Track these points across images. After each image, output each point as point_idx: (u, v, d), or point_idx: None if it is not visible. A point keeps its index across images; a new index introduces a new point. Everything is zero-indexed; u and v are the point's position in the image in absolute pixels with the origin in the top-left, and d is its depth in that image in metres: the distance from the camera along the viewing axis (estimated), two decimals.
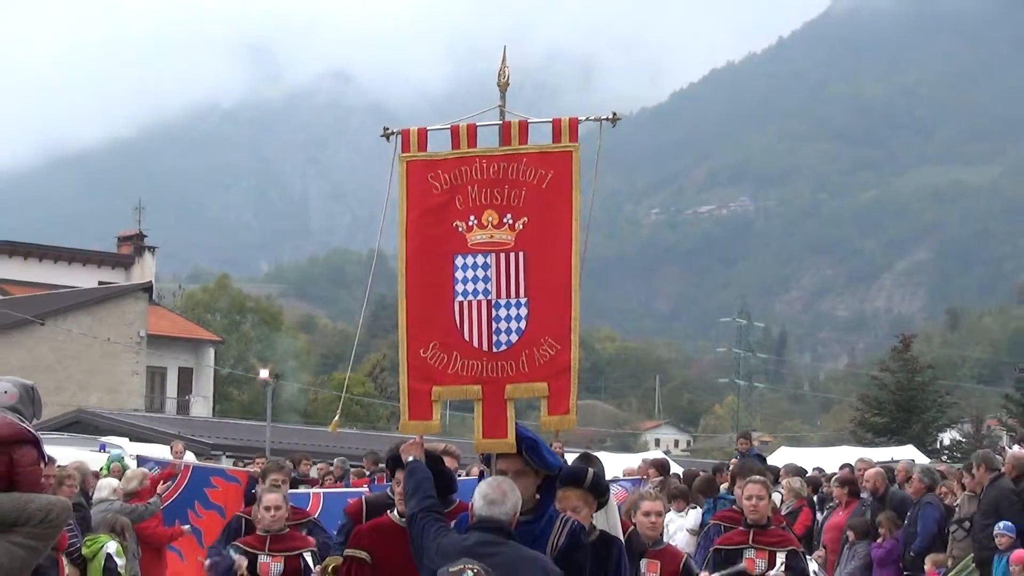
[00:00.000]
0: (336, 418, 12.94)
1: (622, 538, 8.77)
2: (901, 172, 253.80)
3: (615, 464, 24.54)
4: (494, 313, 7.99)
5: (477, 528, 7.30)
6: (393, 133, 8.31)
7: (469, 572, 6.81)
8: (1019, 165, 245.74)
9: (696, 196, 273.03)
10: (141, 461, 19.18)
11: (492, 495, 7.36)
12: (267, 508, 11.50)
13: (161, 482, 17.74)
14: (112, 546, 15.55)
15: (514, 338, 7.99)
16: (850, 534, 19.08)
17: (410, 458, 7.93)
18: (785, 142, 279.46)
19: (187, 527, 17.30)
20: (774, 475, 13.83)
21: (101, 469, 19.63)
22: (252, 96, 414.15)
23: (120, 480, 18.48)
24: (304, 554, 11.32)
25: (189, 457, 27.19)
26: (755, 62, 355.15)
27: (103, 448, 29.85)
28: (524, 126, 8.09)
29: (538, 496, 7.91)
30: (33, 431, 7.17)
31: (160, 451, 33.09)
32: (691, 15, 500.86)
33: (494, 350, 7.99)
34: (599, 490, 8.39)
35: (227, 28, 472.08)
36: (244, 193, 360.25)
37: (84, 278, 66.60)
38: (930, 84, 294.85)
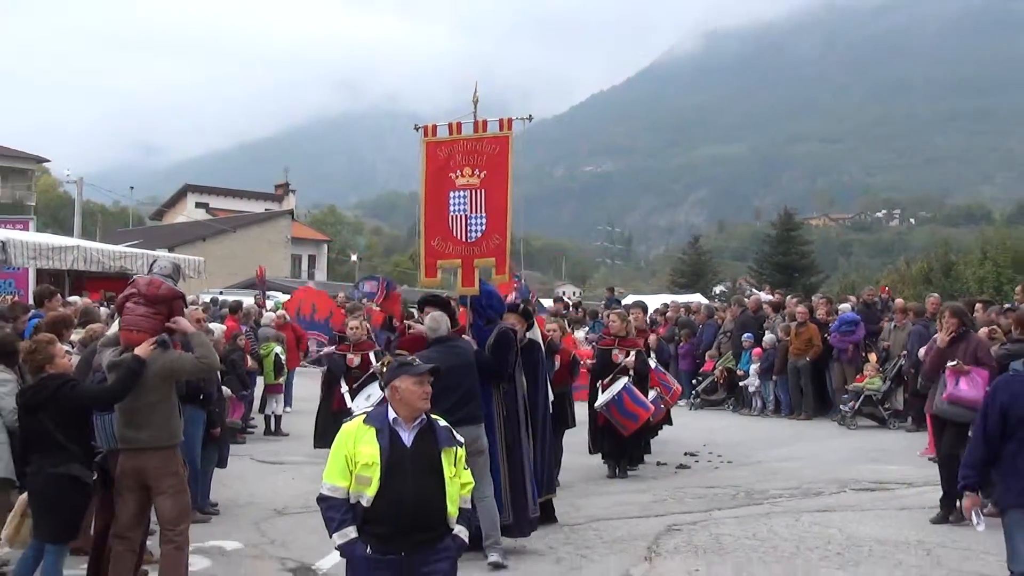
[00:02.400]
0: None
1: (543, 344, 8.86)
2: (695, 148, 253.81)
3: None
4: (469, 222, 8.16)
5: (436, 343, 7.33)
6: (419, 127, 8.55)
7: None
8: (757, 145, 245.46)
9: (585, 160, 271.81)
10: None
11: (434, 326, 7.43)
12: (351, 328, 11.74)
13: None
14: (278, 348, 15.60)
15: (479, 234, 8.15)
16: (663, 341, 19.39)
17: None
18: (631, 132, 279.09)
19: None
20: (626, 310, 13.95)
21: (268, 310, 19.54)
22: (345, 109, 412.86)
23: (276, 314, 18.42)
24: (370, 353, 11.48)
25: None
26: (618, 88, 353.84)
27: (268, 297, 29.68)
28: (485, 123, 8.30)
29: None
30: (180, 290, 6.75)
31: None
32: (585, 61, 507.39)
33: (468, 241, 8.17)
34: (527, 316, 8.51)
35: (334, 68, 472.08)
36: (341, 162, 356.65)
37: (256, 207, 66.22)
38: (713, 101, 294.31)
